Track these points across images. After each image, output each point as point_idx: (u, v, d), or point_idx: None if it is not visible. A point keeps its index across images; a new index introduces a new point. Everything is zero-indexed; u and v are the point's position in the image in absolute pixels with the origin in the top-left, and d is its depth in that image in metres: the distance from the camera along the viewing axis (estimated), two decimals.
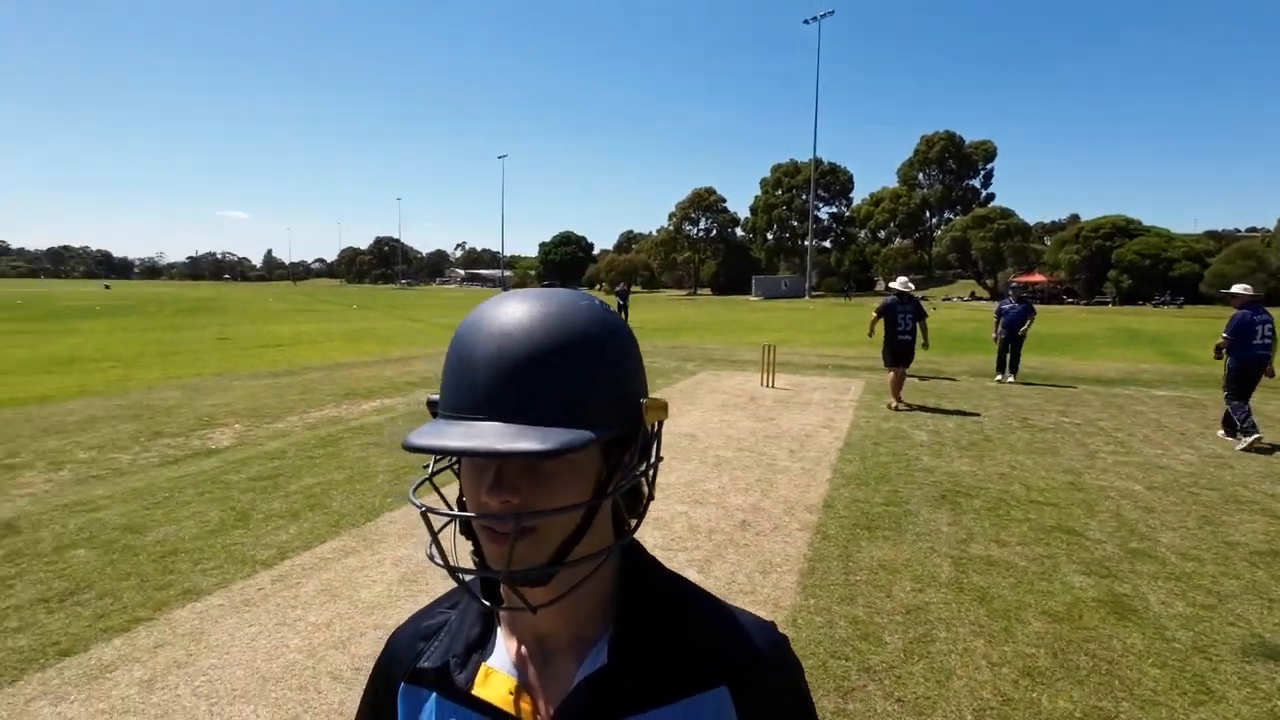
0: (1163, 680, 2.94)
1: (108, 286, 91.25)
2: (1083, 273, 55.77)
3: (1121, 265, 52.30)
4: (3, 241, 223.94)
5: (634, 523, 0.67)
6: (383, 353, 16.05)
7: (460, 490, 0.64)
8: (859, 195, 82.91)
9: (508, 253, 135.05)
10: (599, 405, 0.60)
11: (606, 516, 0.65)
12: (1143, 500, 5.39)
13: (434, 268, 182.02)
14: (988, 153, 77.55)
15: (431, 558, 0.62)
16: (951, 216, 76.58)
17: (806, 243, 72.93)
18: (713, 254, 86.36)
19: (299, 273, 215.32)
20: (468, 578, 0.63)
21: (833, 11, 65.37)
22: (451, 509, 0.61)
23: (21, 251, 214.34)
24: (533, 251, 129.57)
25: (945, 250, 69.00)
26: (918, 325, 9.49)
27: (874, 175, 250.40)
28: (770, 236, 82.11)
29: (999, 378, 11.67)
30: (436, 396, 0.64)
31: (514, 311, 0.61)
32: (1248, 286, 7.82)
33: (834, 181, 79.69)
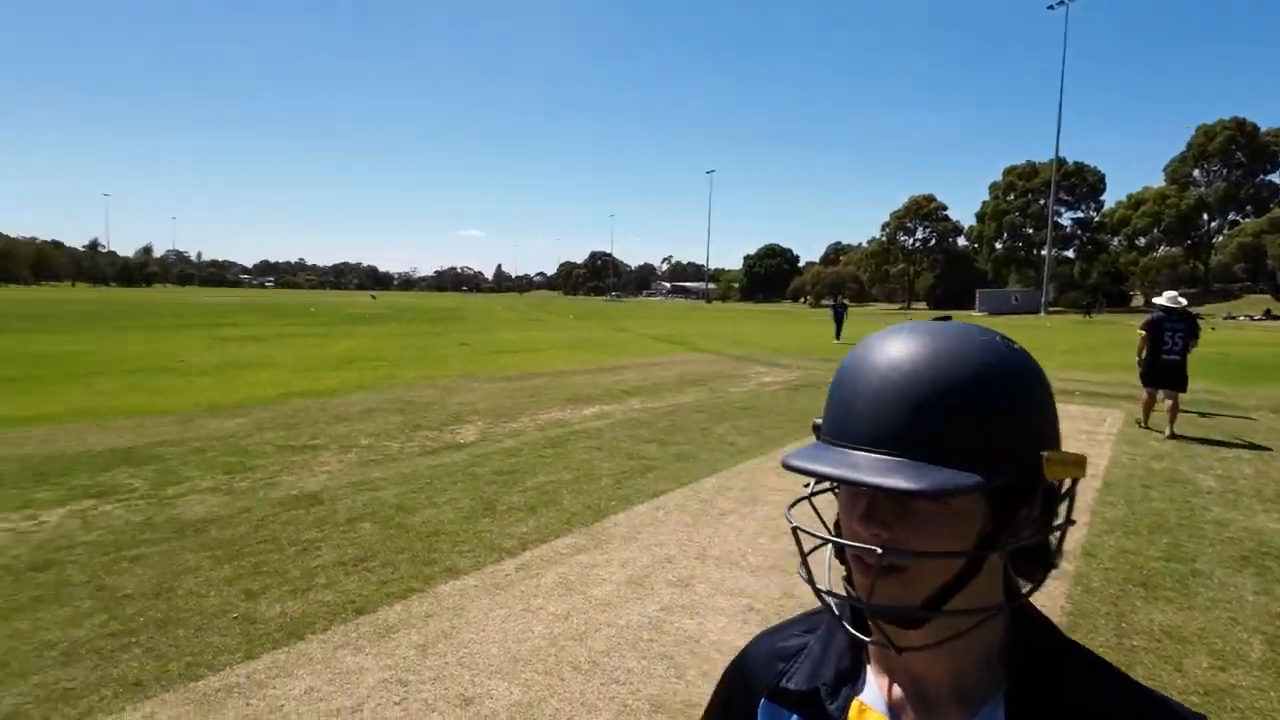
0: None
1: (374, 297, 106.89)
2: None
3: None
4: (301, 258, 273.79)
5: (1028, 587, 0.62)
6: (598, 361, 17.03)
7: (838, 515, 0.64)
8: (1111, 198, 72.68)
9: (712, 265, 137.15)
10: (985, 449, 0.56)
11: (996, 573, 0.61)
12: None
13: (641, 280, 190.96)
14: None
15: (808, 580, 0.63)
16: (1239, 219, 64.25)
17: (1044, 252, 65.23)
18: (929, 265, 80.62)
19: (523, 285, 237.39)
20: (828, 600, 0.63)
21: None
22: (827, 531, 0.63)
23: (314, 267, 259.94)
24: (737, 264, 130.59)
25: (1230, 259, 58.11)
26: (1187, 345, 8.37)
27: (1132, 175, 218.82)
28: (999, 246, 74.59)
29: None
30: (820, 421, 0.64)
31: (902, 345, 0.60)
32: None
33: (1080, 183, 70.54)
